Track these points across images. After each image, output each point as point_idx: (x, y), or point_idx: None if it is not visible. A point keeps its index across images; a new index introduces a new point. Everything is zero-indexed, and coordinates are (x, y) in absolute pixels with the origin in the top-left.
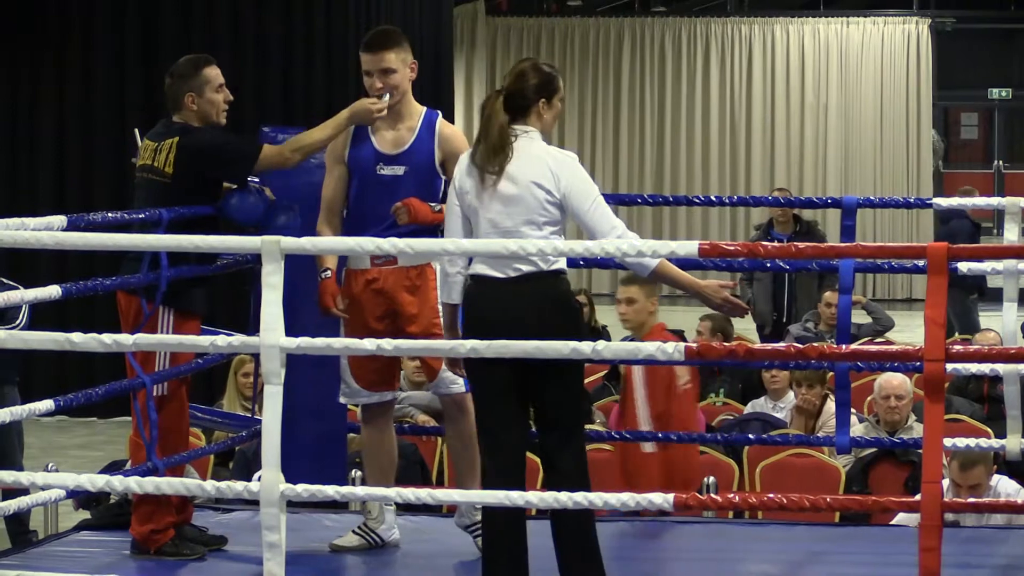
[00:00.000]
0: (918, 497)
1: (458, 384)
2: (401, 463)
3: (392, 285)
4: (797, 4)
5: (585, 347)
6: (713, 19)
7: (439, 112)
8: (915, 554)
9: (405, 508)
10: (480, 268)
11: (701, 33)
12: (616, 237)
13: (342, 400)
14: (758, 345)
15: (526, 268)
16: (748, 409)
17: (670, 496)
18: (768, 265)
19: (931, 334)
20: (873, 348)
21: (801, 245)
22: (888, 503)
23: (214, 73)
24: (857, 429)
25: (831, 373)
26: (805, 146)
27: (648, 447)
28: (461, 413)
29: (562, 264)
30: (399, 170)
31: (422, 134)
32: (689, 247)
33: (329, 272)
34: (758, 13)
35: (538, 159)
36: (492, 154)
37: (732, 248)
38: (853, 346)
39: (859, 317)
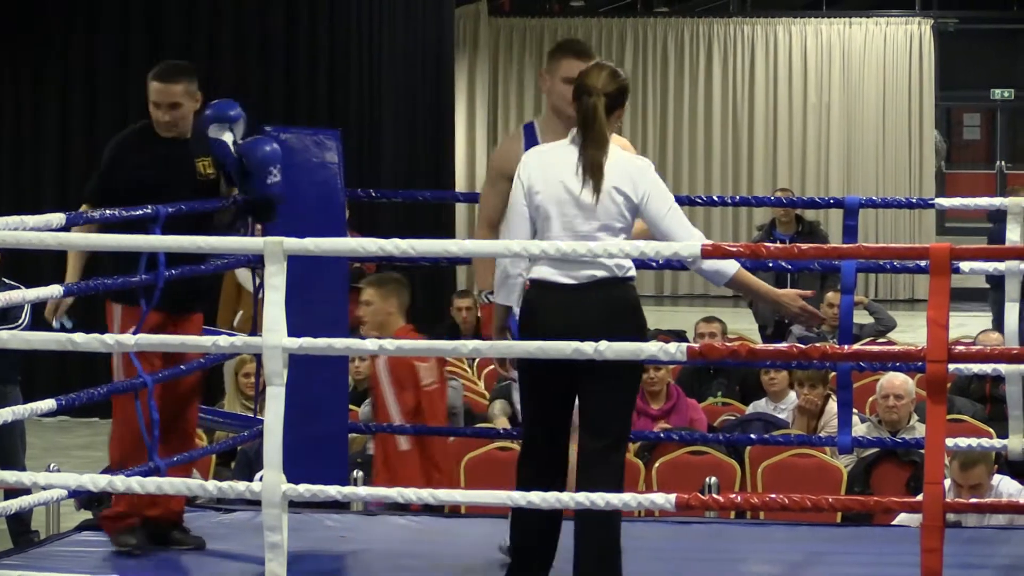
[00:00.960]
0: (920, 497)
1: None
2: None
3: None
4: (799, 4)
5: (587, 347)
6: (715, 19)
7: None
8: (917, 554)
9: (407, 508)
10: (546, 272)
11: (703, 33)
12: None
13: None
14: (760, 345)
15: (600, 274)
16: (750, 410)
17: (672, 496)
18: (770, 265)
19: (933, 334)
20: (875, 348)
21: (804, 246)
22: (890, 503)
23: (151, 88)
24: (859, 429)
25: (833, 373)
26: (807, 146)
27: (404, 444)
28: None
29: (634, 271)
30: None
31: None
32: (692, 248)
33: (487, 297)
34: (760, 13)
35: (619, 164)
36: (601, 157)
37: (734, 249)
38: (855, 346)
39: (861, 317)
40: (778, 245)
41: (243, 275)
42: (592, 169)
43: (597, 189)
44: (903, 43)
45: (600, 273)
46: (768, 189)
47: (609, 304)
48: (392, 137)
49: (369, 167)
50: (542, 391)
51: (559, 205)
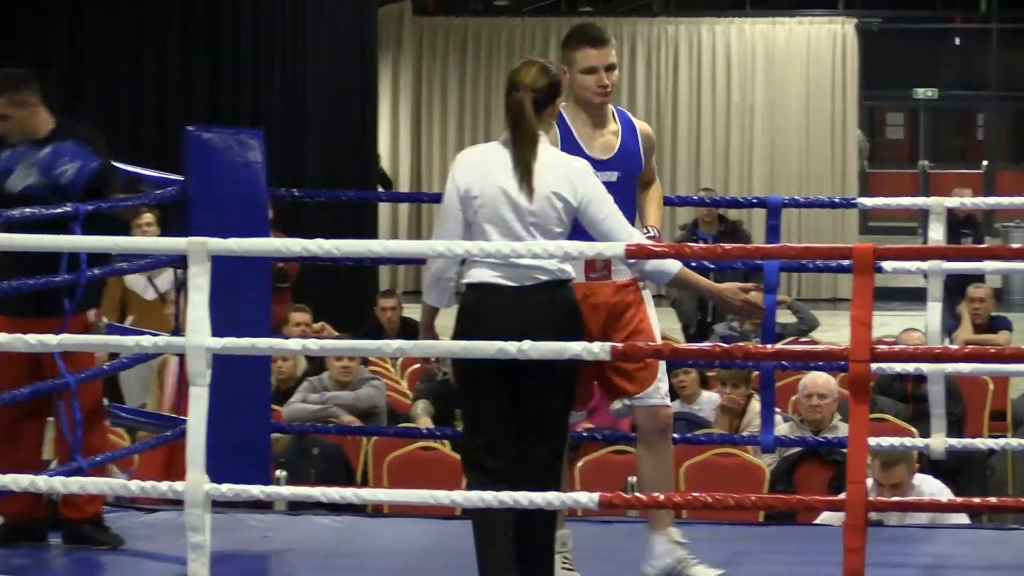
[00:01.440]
0: (842, 496)
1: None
2: (326, 463)
3: (605, 300)
4: (723, 4)
5: (511, 346)
6: (639, 19)
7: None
8: (839, 553)
9: (330, 508)
10: (486, 275)
11: (627, 33)
12: None
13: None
14: (683, 344)
15: (543, 276)
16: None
17: (595, 495)
18: (694, 265)
19: (856, 334)
20: (798, 348)
21: (727, 245)
22: (813, 502)
23: None
24: (782, 428)
25: (756, 372)
26: (731, 146)
27: None
28: (660, 435)
29: (572, 273)
30: (612, 176)
31: (626, 135)
32: (616, 248)
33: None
34: (684, 13)
35: (554, 165)
36: (531, 155)
37: (658, 248)
38: (778, 346)
39: (784, 317)
40: (702, 245)
41: (133, 281)
42: (522, 168)
43: (530, 188)
44: (827, 43)
45: (543, 275)
46: (691, 188)
47: (554, 307)
48: (316, 137)
49: (292, 167)
50: (485, 397)
51: (496, 208)
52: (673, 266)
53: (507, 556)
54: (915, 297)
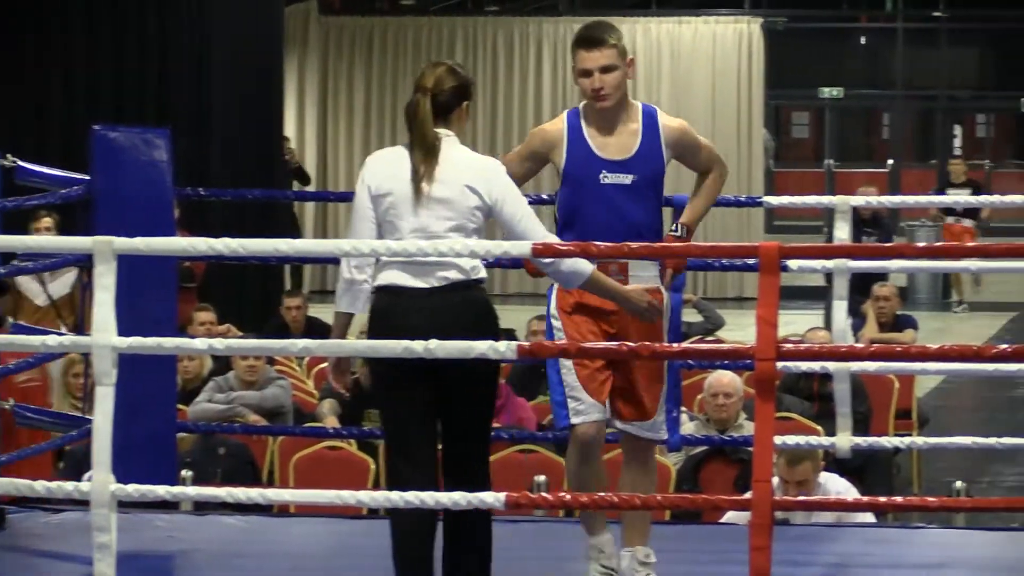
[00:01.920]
0: (748, 495)
1: (663, 431)
2: (232, 463)
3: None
4: (628, 3)
5: (418, 346)
6: (545, 18)
7: (655, 107)
8: (746, 552)
9: (236, 508)
10: (396, 277)
11: (534, 32)
12: None
13: (575, 420)
14: (590, 343)
15: (453, 276)
16: None
17: (501, 495)
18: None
19: (762, 332)
20: (704, 346)
21: (633, 244)
22: (719, 501)
23: None
24: (687, 427)
25: None
26: None
27: None
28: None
29: (484, 272)
30: (626, 179)
31: (647, 136)
32: (522, 247)
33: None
34: (590, 13)
35: (466, 164)
36: (425, 157)
37: (565, 248)
38: (684, 344)
39: (689, 315)
40: (608, 244)
41: (27, 286)
42: (418, 171)
43: (426, 190)
44: (732, 42)
45: (454, 275)
46: None
47: (466, 307)
48: (221, 136)
49: (198, 166)
50: (403, 400)
51: (406, 206)
52: (586, 267)
53: (421, 557)
54: (817, 296)
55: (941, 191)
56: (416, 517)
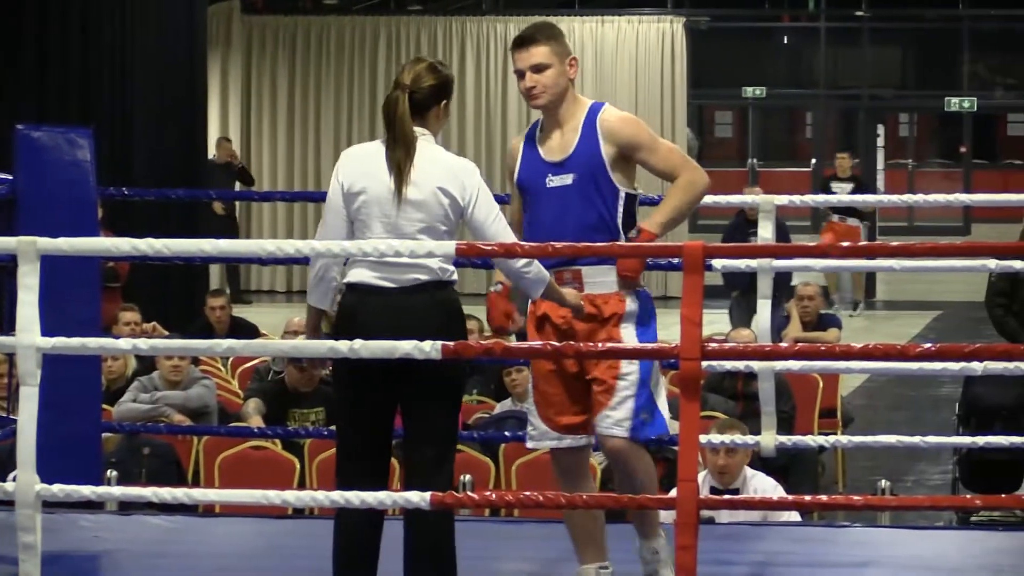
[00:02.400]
0: (674, 494)
1: (621, 427)
2: (157, 462)
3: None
4: (552, 3)
5: (342, 346)
6: (469, 18)
7: (605, 103)
8: (672, 551)
9: (161, 508)
10: (364, 275)
11: (457, 32)
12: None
13: (530, 444)
14: (515, 343)
15: (423, 277)
16: (499, 408)
17: (427, 495)
18: None
19: (686, 332)
20: (628, 346)
21: (558, 244)
22: (643, 500)
23: None
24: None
25: None
26: None
27: None
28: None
29: (456, 274)
30: (567, 179)
31: (584, 133)
32: (447, 247)
33: (500, 285)
34: (513, 12)
35: (441, 164)
36: (403, 155)
37: (488, 248)
38: (608, 344)
39: None
40: (532, 244)
41: None
42: (396, 168)
43: (403, 189)
44: (655, 41)
45: (423, 276)
46: None
47: (434, 308)
48: (145, 135)
49: (122, 165)
50: (354, 400)
51: (379, 205)
52: (545, 275)
53: (361, 558)
54: (716, 295)
55: (826, 186)
56: (358, 518)
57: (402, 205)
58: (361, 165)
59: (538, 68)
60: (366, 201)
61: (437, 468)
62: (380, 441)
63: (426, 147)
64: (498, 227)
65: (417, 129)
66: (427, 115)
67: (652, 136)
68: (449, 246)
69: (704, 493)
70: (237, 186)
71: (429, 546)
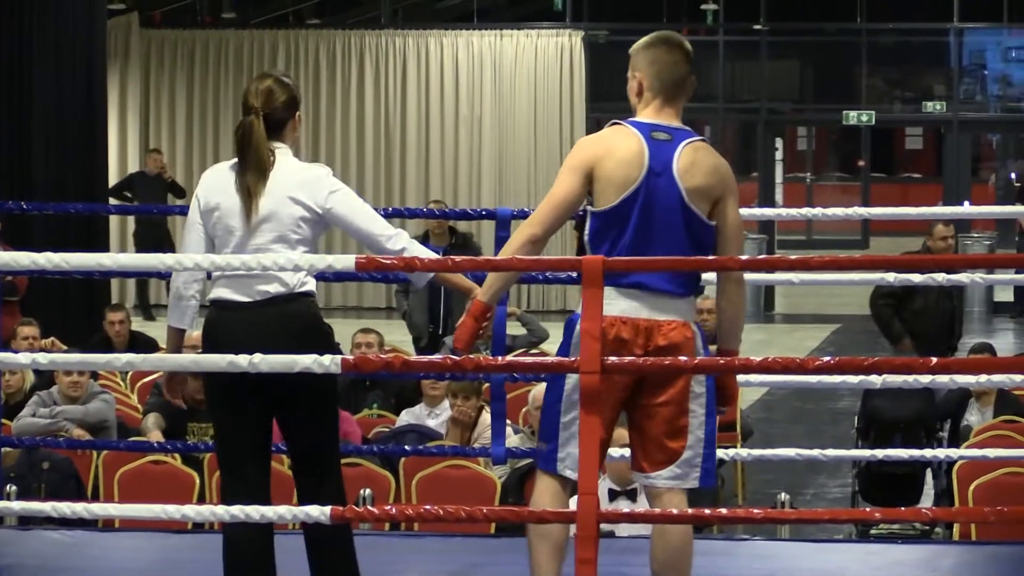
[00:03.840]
0: (573, 508)
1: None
2: (56, 477)
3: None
4: (451, 17)
5: (242, 360)
6: (367, 31)
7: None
8: (571, 565)
9: (60, 523)
10: (222, 291)
11: (355, 46)
12: (391, 239)
13: (568, 473)
14: (415, 357)
15: (274, 290)
16: (403, 417)
17: (327, 508)
18: None
19: (586, 345)
20: (528, 360)
21: (457, 258)
22: (544, 514)
23: None
24: (512, 440)
25: (486, 384)
26: (460, 158)
27: None
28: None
29: (311, 285)
30: None
31: None
32: (346, 261)
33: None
34: (412, 26)
35: (294, 174)
36: (259, 176)
37: (388, 262)
38: (508, 358)
39: (513, 328)
40: (432, 257)
41: None
42: (246, 192)
43: (255, 211)
44: (554, 55)
45: (275, 289)
46: (421, 200)
47: (289, 321)
48: (43, 149)
49: (20, 179)
50: (231, 415)
51: (233, 220)
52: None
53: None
54: None
55: None
56: (248, 533)
57: (256, 219)
58: (218, 182)
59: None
60: (221, 216)
61: (323, 479)
62: (258, 454)
63: (282, 160)
64: (363, 219)
65: (274, 144)
66: (283, 131)
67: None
68: (349, 260)
69: (603, 493)
70: (169, 198)
71: (335, 560)
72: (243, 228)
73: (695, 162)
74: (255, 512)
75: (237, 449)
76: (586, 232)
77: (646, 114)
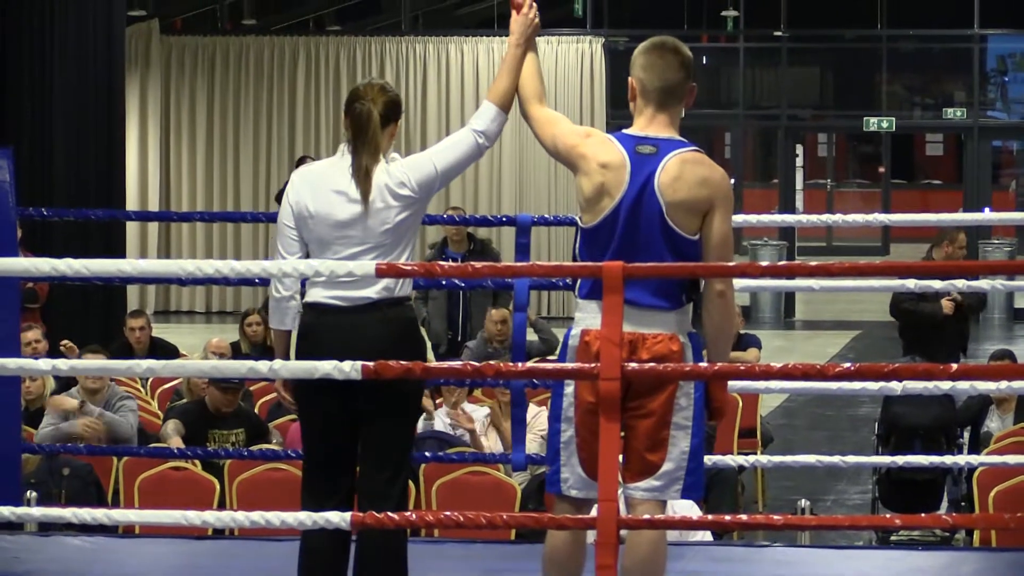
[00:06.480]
0: (594, 514)
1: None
2: (76, 483)
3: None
4: (471, 23)
5: (262, 367)
6: (388, 38)
7: None
8: (592, 571)
9: (80, 529)
10: (319, 295)
11: (376, 52)
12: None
13: (573, 493)
14: (435, 364)
15: (375, 295)
16: (419, 429)
17: (347, 515)
18: (444, 284)
19: (606, 352)
20: (549, 366)
21: (477, 264)
22: (564, 520)
23: None
24: (532, 447)
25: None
26: (479, 164)
27: None
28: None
29: (408, 289)
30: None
31: None
32: (367, 267)
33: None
34: (432, 32)
35: (388, 180)
36: (372, 159)
37: (408, 267)
38: (528, 364)
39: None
40: (451, 263)
41: None
42: (362, 173)
43: (366, 200)
44: (574, 62)
45: (375, 294)
46: (440, 207)
47: (387, 325)
48: (64, 155)
49: (41, 186)
50: (319, 419)
51: (327, 225)
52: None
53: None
54: None
55: None
56: (324, 536)
57: (349, 225)
58: (312, 185)
59: None
60: (315, 222)
61: (387, 486)
62: (343, 457)
63: (381, 166)
64: (454, 152)
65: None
66: (385, 130)
67: None
68: (369, 266)
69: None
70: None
71: (381, 566)
72: (341, 231)
73: (680, 176)
74: (275, 519)
75: (315, 449)
76: (576, 246)
77: (638, 124)
